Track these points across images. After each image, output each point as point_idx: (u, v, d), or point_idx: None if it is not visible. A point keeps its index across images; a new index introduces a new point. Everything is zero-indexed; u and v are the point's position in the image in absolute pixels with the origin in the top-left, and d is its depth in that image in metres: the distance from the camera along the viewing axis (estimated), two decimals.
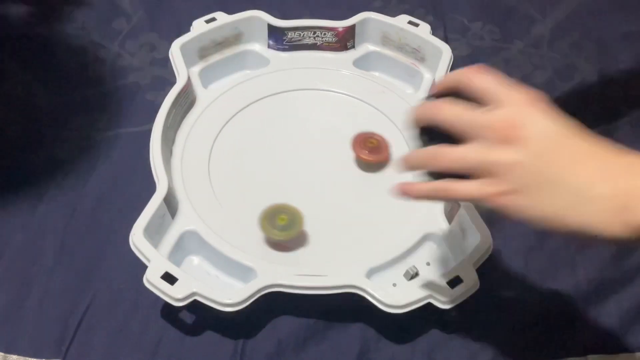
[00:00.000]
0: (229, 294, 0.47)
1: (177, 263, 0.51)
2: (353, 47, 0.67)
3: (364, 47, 0.67)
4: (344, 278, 0.49)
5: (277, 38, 0.66)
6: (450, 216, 0.54)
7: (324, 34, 0.66)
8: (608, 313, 0.52)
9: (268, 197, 0.57)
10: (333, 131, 0.62)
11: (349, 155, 0.60)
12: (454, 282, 0.49)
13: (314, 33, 0.66)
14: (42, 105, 0.66)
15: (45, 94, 0.67)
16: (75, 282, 0.53)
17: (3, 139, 0.63)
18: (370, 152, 0.58)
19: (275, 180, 0.58)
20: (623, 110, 0.67)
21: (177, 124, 0.60)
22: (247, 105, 0.63)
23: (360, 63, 0.66)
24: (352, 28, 0.65)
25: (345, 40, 0.66)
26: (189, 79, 0.61)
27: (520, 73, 0.70)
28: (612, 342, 0.51)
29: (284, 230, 0.52)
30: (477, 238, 0.50)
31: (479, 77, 0.38)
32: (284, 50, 0.66)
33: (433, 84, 0.62)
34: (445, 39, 0.71)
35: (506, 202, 0.36)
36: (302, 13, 0.74)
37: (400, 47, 0.66)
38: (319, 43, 0.66)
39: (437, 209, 0.55)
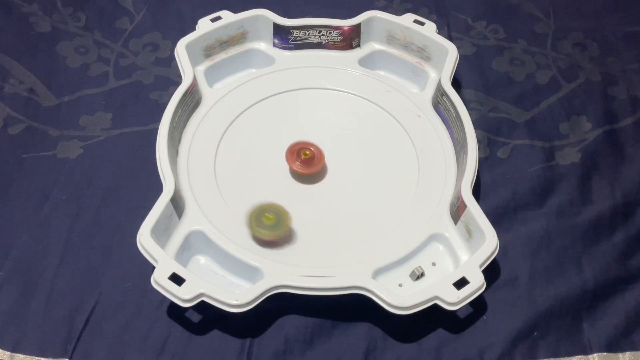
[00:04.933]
0: (236, 295, 0.47)
1: (184, 263, 0.51)
2: (358, 45, 0.67)
3: (370, 46, 0.67)
4: (350, 279, 0.49)
5: (283, 37, 0.66)
6: (456, 216, 0.54)
7: (330, 33, 0.66)
8: (614, 312, 0.53)
9: (274, 197, 0.57)
10: (338, 130, 0.62)
11: (355, 154, 0.60)
12: (460, 282, 0.49)
13: (320, 32, 0.66)
14: (46, 104, 0.66)
15: (49, 94, 0.66)
16: (81, 282, 0.53)
17: (7, 138, 0.63)
18: (303, 164, 0.57)
19: (281, 179, 0.58)
20: (627, 110, 0.67)
21: (183, 123, 0.60)
22: (253, 104, 0.63)
23: (366, 62, 0.66)
24: (357, 27, 0.65)
25: (350, 39, 0.66)
26: (194, 78, 0.61)
27: (524, 72, 0.70)
28: (618, 340, 0.51)
29: (271, 229, 0.52)
30: (483, 238, 0.50)
31: None
32: (289, 49, 0.66)
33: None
34: (449, 38, 0.71)
35: None
36: (305, 12, 0.74)
37: (406, 46, 0.66)
38: (324, 42, 0.66)
39: (443, 209, 0.55)
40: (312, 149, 0.57)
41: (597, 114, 0.66)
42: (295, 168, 0.57)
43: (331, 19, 0.66)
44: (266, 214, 0.53)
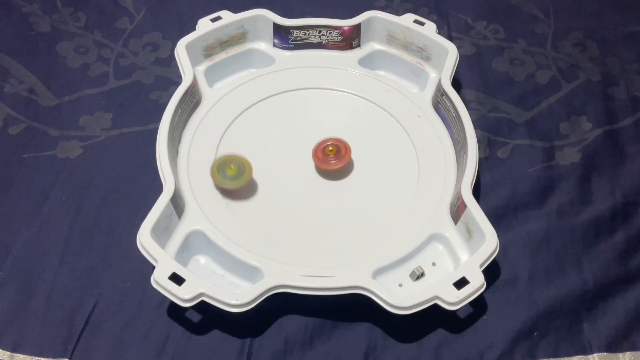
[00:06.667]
0: (236, 295, 0.47)
1: (184, 263, 0.51)
2: (358, 45, 0.67)
3: (370, 46, 0.67)
4: (350, 279, 0.49)
5: (283, 37, 0.66)
6: (456, 216, 0.54)
7: (330, 33, 0.66)
8: (614, 312, 0.53)
9: (274, 196, 0.57)
10: (338, 130, 0.62)
11: (355, 154, 0.60)
12: (460, 282, 0.49)
13: (320, 32, 0.66)
14: (46, 104, 0.66)
15: (49, 94, 0.66)
16: (81, 282, 0.53)
17: (7, 138, 0.63)
18: (335, 160, 0.57)
19: (281, 180, 0.58)
20: (627, 110, 0.67)
21: (183, 123, 0.60)
22: (253, 104, 0.63)
23: (366, 62, 0.66)
24: (357, 27, 0.65)
25: (350, 39, 0.66)
26: (194, 78, 0.61)
27: (524, 72, 0.70)
28: (618, 340, 0.51)
29: (233, 179, 0.55)
30: (483, 238, 0.50)
31: None
32: (289, 49, 0.66)
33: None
34: (449, 38, 0.71)
35: None
36: (305, 12, 0.74)
37: (406, 46, 0.66)
38: (324, 42, 0.66)
39: (443, 209, 0.55)
40: (336, 144, 0.58)
41: (597, 114, 0.66)
42: (325, 166, 0.57)
43: (331, 19, 0.66)
44: (230, 165, 0.55)
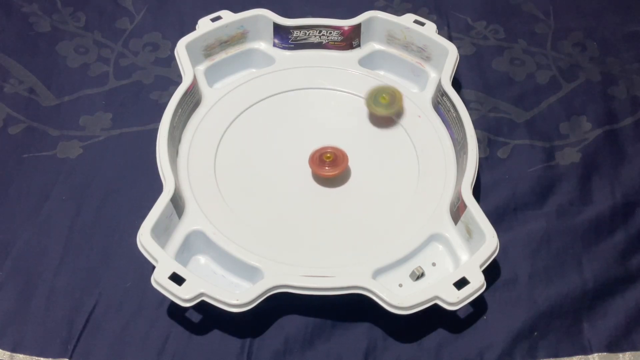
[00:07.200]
0: (236, 295, 0.47)
1: (184, 263, 0.51)
2: (358, 45, 0.67)
3: (370, 46, 0.67)
4: (350, 279, 0.49)
5: (283, 37, 0.66)
6: (456, 216, 0.54)
7: (330, 33, 0.66)
8: (614, 312, 0.53)
9: (274, 197, 0.57)
10: (338, 130, 0.62)
11: (355, 154, 0.60)
12: (460, 282, 0.49)
13: (320, 32, 0.66)
14: (46, 104, 0.66)
15: (49, 94, 0.66)
16: (82, 282, 0.53)
17: (7, 138, 0.63)
18: (330, 167, 0.57)
19: (281, 180, 0.58)
20: (627, 110, 0.67)
21: (183, 123, 0.60)
22: (253, 104, 0.63)
23: (366, 62, 0.66)
24: (357, 27, 0.65)
25: (350, 39, 0.66)
26: (194, 77, 0.61)
27: (524, 72, 0.70)
28: (618, 340, 0.51)
29: (386, 107, 0.61)
30: (484, 238, 0.50)
31: None
32: (289, 49, 0.66)
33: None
34: (449, 38, 0.71)
35: None
36: (305, 12, 0.74)
37: (406, 46, 0.66)
38: (324, 42, 0.66)
39: (443, 209, 0.55)
40: (335, 152, 0.57)
41: (597, 114, 0.66)
42: (320, 172, 0.57)
43: (331, 19, 0.66)
44: (382, 95, 0.61)
